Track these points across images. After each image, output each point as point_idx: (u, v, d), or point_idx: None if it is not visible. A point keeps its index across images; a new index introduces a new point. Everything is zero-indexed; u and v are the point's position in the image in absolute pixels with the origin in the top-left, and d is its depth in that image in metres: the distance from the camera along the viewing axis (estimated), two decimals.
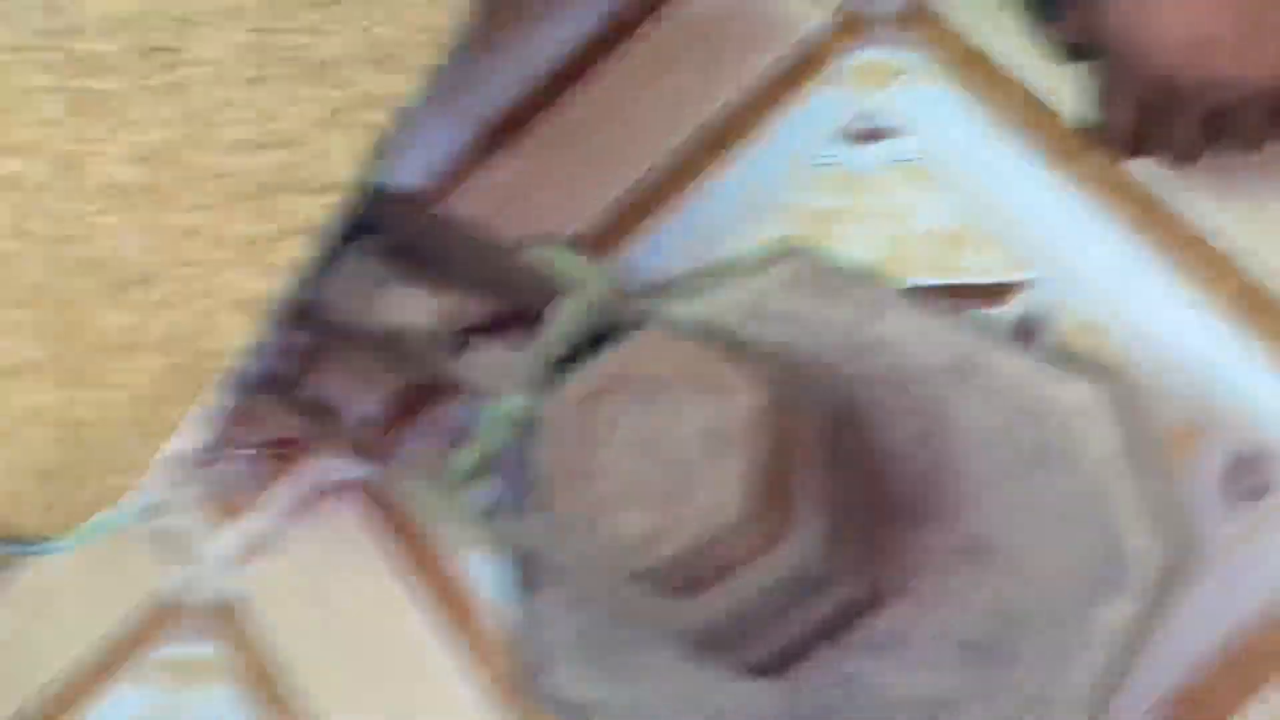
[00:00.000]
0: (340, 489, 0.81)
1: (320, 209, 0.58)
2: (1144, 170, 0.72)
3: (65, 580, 0.83)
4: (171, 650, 0.80)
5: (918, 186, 0.75)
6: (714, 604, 0.43)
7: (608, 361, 0.45)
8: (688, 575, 0.43)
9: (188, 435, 0.57)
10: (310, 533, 0.80)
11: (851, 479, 0.46)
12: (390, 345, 0.60)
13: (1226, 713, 0.61)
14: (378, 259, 0.60)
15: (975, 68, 0.77)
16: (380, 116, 0.59)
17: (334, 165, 0.58)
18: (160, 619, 0.81)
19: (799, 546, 0.43)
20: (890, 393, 0.51)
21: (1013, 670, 0.47)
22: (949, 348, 0.51)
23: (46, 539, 0.58)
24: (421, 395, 0.77)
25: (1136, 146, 0.67)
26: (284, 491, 0.82)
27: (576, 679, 0.53)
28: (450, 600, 0.76)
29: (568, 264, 0.60)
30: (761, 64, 0.80)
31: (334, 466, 0.81)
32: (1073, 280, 0.71)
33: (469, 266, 0.63)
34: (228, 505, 0.82)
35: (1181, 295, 0.69)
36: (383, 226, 0.62)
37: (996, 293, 0.71)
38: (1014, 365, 0.50)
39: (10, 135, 0.62)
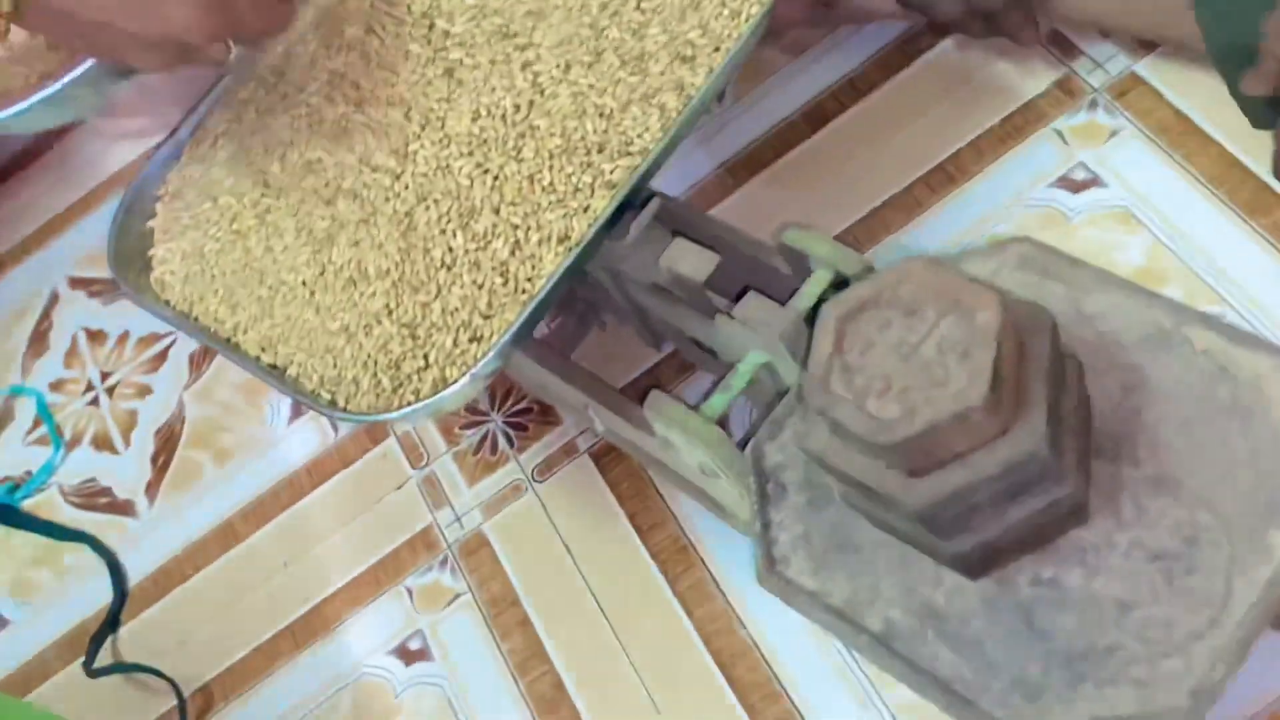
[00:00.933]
0: (579, 450, 0.92)
1: (625, 170, 0.70)
2: None
3: (346, 508, 0.96)
4: (429, 577, 0.91)
5: (1124, 229, 0.84)
6: (948, 480, 0.52)
7: (869, 283, 0.54)
8: (929, 452, 0.52)
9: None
10: (550, 487, 0.91)
11: (1069, 403, 0.55)
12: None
13: None
14: (662, 220, 0.71)
15: (1180, 130, 0.86)
16: (679, 102, 0.71)
17: (640, 136, 0.70)
18: (421, 551, 0.92)
19: (1027, 436, 0.51)
20: (1097, 356, 0.60)
21: (1192, 577, 0.55)
22: (1149, 321, 0.60)
23: (375, 414, 0.70)
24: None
25: None
26: (532, 450, 0.93)
27: (808, 572, 0.62)
28: (673, 550, 0.86)
29: (817, 242, 0.70)
30: (991, 118, 0.91)
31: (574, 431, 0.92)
32: (1256, 316, 0.79)
33: (731, 242, 0.73)
34: (485, 460, 0.93)
35: None
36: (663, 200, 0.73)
37: None
38: (1209, 338, 0.59)
39: (394, 90, 0.76)
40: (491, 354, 0.67)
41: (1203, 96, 0.86)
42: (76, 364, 1.11)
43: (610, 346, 0.91)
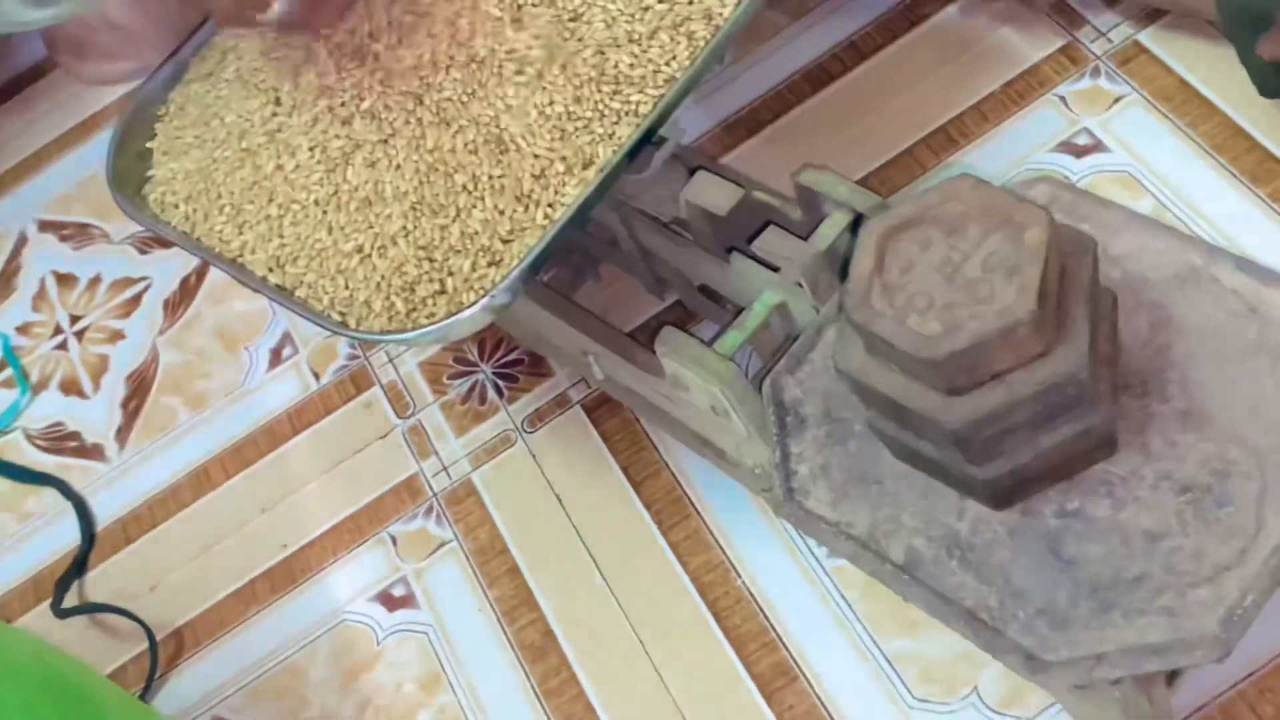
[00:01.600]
0: (571, 402, 0.91)
1: (652, 98, 0.69)
2: None
3: (328, 456, 0.94)
4: (414, 525, 0.90)
5: (1127, 194, 0.84)
6: (987, 400, 0.52)
7: (912, 202, 0.54)
8: (972, 369, 0.51)
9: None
10: (541, 438, 0.90)
11: (1104, 332, 0.55)
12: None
13: None
14: (680, 158, 0.71)
15: (1184, 98, 0.87)
16: (707, 30, 0.70)
17: (668, 65, 0.70)
18: (406, 499, 0.91)
19: (1069, 356, 0.51)
20: (1125, 294, 0.60)
21: (1223, 509, 0.55)
22: (1179, 260, 0.60)
23: (388, 334, 0.69)
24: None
25: None
26: (522, 401, 0.92)
27: (828, 503, 0.61)
28: (667, 500, 0.85)
29: (835, 183, 0.70)
30: (994, 83, 0.91)
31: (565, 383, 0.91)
32: None
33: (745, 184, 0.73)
34: (474, 410, 0.92)
35: None
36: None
37: None
38: (1237, 278, 0.59)
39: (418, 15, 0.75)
40: (509, 280, 0.66)
41: (1206, 65, 0.87)
42: (45, 307, 1.08)
43: (606, 299, 0.90)
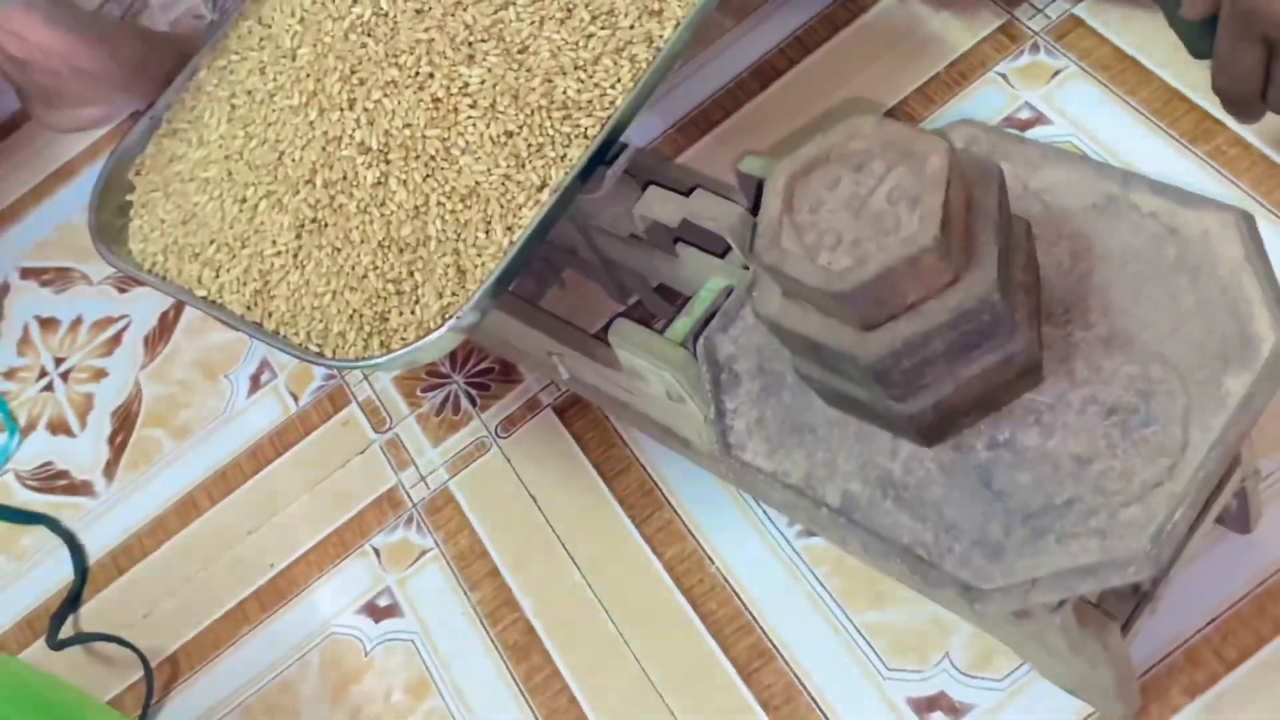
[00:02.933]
0: (541, 405, 0.92)
1: (597, 123, 0.72)
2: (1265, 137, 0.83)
3: (309, 475, 0.95)
4: (395, 536, 0.91)
5: None
6: (900, 330, 0.53)
7: (816, 142, 0.55)
8: (882, 301, 0.52)
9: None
10: (515, 442, 0.91)
11: (1019, 260, 0.56)
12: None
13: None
14: (632, 173, 0.73)
15: (1121, 67, 0.88)
16: (648, 54, 0.73)
17: (612, 88, 0.73)
18: (387, 511, 0.92)
19: (979, 282, 0.52)
20: (1045, 227, 0.61)
21: (1149, 429, 0.56)
22: (1097, 190, 0.61)
23: (362, 361, 0.72)
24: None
25: (1254, 106, 0.77)
26: (494, 408, 0.93)
27: (764, 454, 0.62)
28: (639, 494, 0.86)
29: (773, 165, 0.71)
30: (936, 66, 0.93)
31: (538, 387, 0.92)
32: None
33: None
34: (448, 420, 0.94)
35: None
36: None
37: None
38: (1154, 201, 0.60)
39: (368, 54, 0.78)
40: (473, 300, 0.69)
41: (1141, 34, 0.89)
42: (30, 351, 1.11)
43: (570, 303, 0.92)
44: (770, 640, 0.78)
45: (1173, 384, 0.57)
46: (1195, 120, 0.85)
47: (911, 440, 0.59)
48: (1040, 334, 0.58)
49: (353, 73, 0.77)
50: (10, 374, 1.10)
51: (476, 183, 0.73)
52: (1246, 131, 0.82)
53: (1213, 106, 0.84)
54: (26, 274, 1.16)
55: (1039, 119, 0.88)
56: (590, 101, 0.74)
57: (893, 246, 0.52)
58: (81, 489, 1.01)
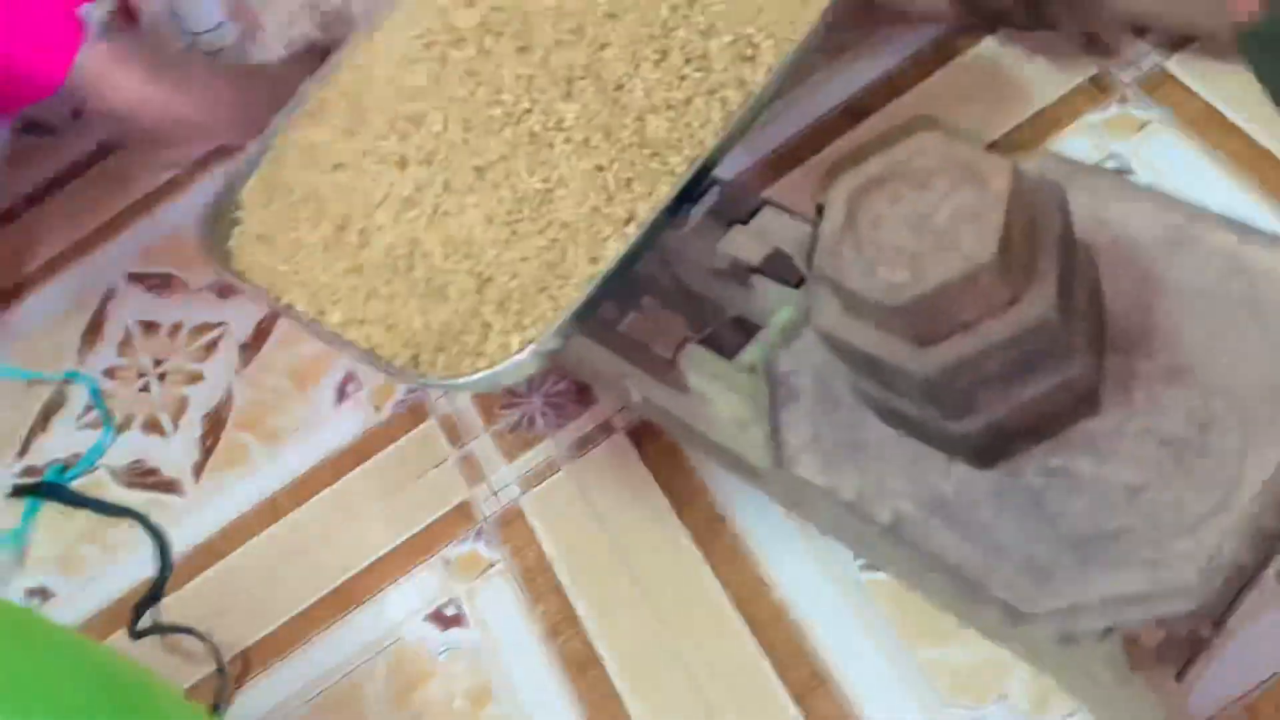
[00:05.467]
0: (615, 429, 0.94)
1: (685, 161, 0.74)
2: None
3: (386, 484, 0.98)
4: (465, 548, 0.93)
5: None
6: (956, 348, 0.54)
7: (881, 159, 0.57)
8: (939, 317, 0.53)
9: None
10: (586, 462, 0.93)
11: (1081, 286, 0.57)
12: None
13: None
14: (717, 212, 0.75)
15: (1210, 122, 0.88)
16: (739, 96, 0.75)
17: (701, 130, 0.75)
18: (458, 524, 0.94)
19: (1037, 303, 0.53)
20: (1114, 257, 0.62)
21: (1204, 461, 0.56)
22: (1165, 222, 0.62)
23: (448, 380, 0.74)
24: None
25: None
26: (569, 428, 0.95)
27: (817, 469, 0.63)
28: (705, 523, 0.87)
29: None
30: (1025, 112, 0.94)
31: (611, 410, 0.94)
32: None
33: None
34: (522, 438, 0.95)
35: None
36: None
37: None
38: (1223, 237, 0.61)
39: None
40: (555, 328, 0.71)
41: (1230, 89, 0.88)
42: (130, 353, 1.15)
43: (646, 328, 0.93)
44: (828, 670, 0.79)
45: (1231, 419, 0.57)
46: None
47: (965, 461, 0.59)
48: (1101, 361, 0.59)
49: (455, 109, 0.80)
50: (111, 372, 1.14)
51: (566, 214, 0.75)
52: None
53: None
54: (132, 279, 1.21)
55: (1125, 171, 0.88)
56: (680, 140, 0.75)
57: (951, 262, 0.53)
58: (170, 486, 1.05)
